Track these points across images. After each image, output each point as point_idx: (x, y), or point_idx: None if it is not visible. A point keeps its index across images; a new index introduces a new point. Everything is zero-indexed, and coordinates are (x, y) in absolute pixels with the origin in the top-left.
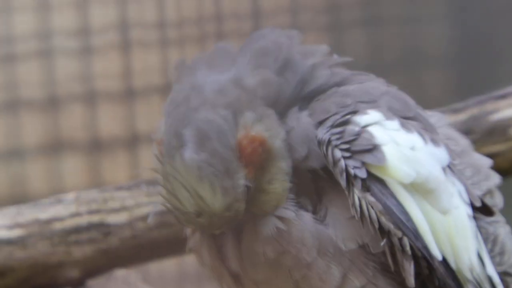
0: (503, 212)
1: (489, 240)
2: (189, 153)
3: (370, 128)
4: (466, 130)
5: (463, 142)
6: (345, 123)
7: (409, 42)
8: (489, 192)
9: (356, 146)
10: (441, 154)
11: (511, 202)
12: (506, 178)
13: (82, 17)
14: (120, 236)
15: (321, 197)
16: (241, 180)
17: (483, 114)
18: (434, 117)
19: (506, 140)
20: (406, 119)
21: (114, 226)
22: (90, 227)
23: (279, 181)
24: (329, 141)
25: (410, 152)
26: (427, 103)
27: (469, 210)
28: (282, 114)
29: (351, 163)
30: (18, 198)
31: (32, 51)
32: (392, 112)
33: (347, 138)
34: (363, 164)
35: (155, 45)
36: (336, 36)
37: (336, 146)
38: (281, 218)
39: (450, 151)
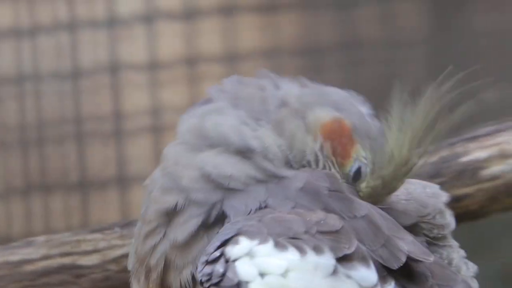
0: (472, 251)
1: None
2: None
3: (237, 264)
4: (436, 172)
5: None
6: (216, 260)
7: (388, 77)
8: (440, 212)
9: None
10: (324, 259)
11: (480, 244)
12: (475, 220)
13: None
14: (92, 278)
15: None
16: None
17: (453, 156)
18: None
19: (476, 182)
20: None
21: (86, 268)
22: (61, 269)
23: None
24: (202, 282)
25: (279, 280)
26: None
27: None
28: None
29: None
30: (3, 239)
31: None
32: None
33: (214, 280)
34: None
35: (145, 86)
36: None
37: None
38: None
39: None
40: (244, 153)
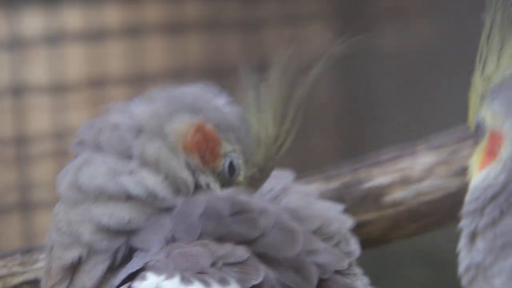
0: (377, 277)
1: None
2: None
3: None
4: (338, 198)
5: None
6: None
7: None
8: (344, 239)
9: None
10: None
11: (385, 270)
12: (377, 246)
13: None
14: None
15: None
16: None
17: (356, 182)
18: (280, 179)
19: (378, 208)
20: (219, 238)
21: None
22: None
23: None
24: None
25: None
26: (311, 167)
27: None
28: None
29: None
30: None
31: None
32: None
33: None
34: None
35: (49, 108)
36: None
37: None
38: None
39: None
40: (132, 198)
